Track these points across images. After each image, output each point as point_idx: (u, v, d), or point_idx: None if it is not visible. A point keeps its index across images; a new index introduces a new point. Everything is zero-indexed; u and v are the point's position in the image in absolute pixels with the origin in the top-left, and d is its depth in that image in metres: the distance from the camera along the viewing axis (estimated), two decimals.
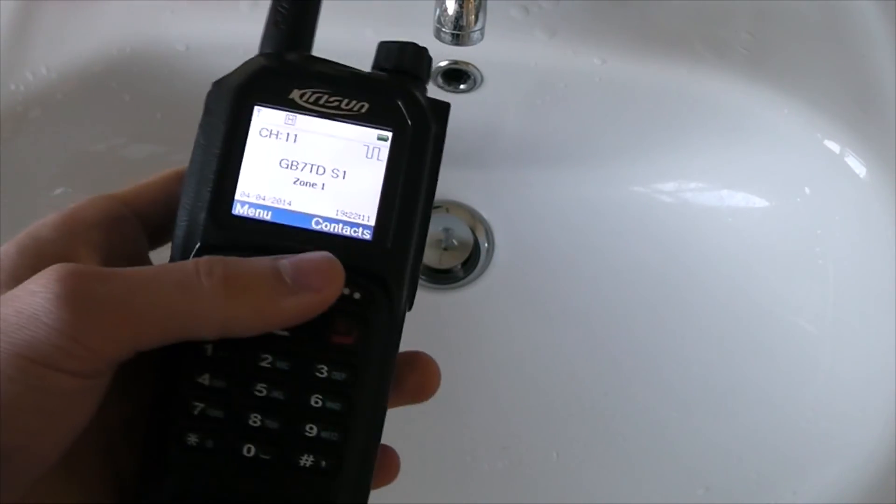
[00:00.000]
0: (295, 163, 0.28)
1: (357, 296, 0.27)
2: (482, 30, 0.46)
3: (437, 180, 0.29)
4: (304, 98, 0.28)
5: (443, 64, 0.53)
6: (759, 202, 0.54)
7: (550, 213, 0.57)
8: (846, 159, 0.49)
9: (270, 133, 0.28)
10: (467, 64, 0.52)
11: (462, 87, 0.54)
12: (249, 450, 0.26)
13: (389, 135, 0.28)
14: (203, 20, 0.52)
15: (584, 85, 0.52)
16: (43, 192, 0.51)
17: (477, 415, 0.51)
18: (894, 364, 0.45)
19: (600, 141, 0.55)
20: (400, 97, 0.28)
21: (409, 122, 0.28)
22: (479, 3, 0.45)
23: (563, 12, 0.52)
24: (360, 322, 0.27)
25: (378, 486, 0.29)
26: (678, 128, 0.53)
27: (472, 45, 0.46)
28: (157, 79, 0.52)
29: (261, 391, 0.26)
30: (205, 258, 0.25)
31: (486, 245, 0.56)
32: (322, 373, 0.26)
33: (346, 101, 0.28)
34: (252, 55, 0.29)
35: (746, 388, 0.50)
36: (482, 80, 0.53)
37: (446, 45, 0.45)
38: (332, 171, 0.28)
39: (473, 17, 0.45)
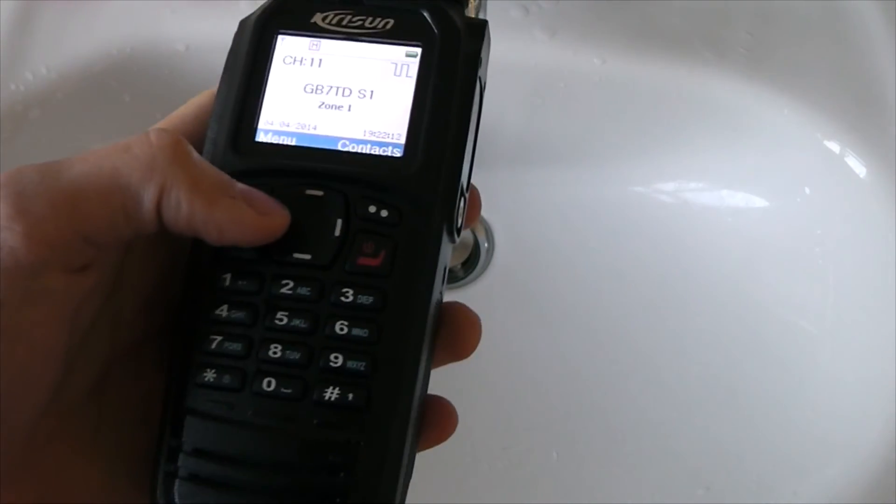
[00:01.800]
0: (320, 87, 0.26)
1: (384, 214, 0.25)
2: None
3: (477, 100, 0.27)
4: (327, 21, 0.27)
5: None
6: (759, 202, 0.54)
7: (550, 212, 0.57)
8: (846, 159, 0.49)
9: (294, 60, 0.27)
10: None
11: None
12: (270, 383, 0.24)
13: (418, 50, 0.26)
14: (203, 20, 0.52)
15: (584, 85, 0.52)
16: None
17: (477, 415, 0.51)
18: (894, 364, 0.45)
19: (600, 141, 0.55)
20: (427, 10, 0.27)
21: (438, 36, 0.26)
22: (479, 3, 0.45)
23: (563, 12, 0.52)
24: (387, 242, 0.25)
25: (429, 443, 0.26)
26: (678, 128, 0.53)
27: None
28: (157, 79, 0.52)
29: (281, 319, 0.24)
30: (162, 129, 0.24)
31: (486, 245, 0.56)
32: (347, 297, 0.24)
33: (370, 19, 0.27)
34: None
35: (746, 388, 0.50)
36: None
37: None
38: (359, 91, 0.26)
39: (473, 16, 0.45)
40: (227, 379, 0.24)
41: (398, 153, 0.25)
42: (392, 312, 0.24)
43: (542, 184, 0.57)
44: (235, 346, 0.24)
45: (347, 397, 0.24)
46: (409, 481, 0.25)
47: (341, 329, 0.24)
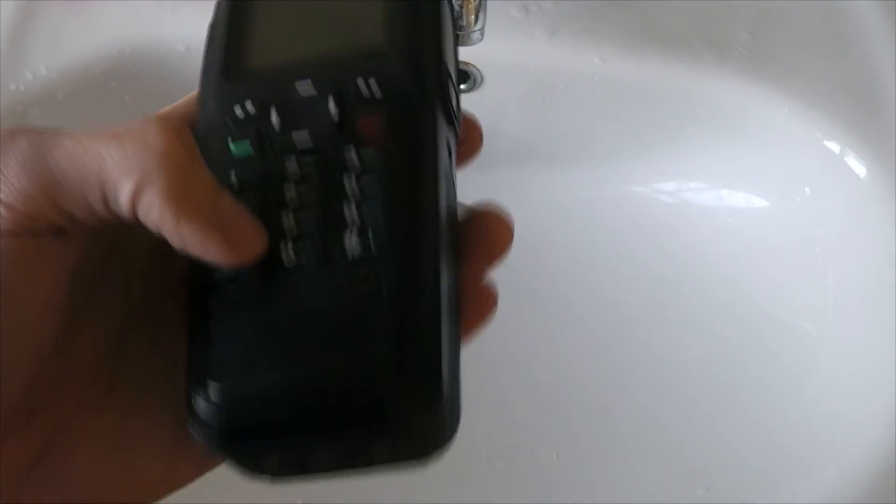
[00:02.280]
0: (303, 15, 0.27)
1: (375, 88, 0.25)
2: (482, 30, 0.46)
3: (447, 8, 0.27)
4: None
5: None
6: (759, 202, 0.54)
7: (550, 212, 0.57)
8: (846, 159, 0.49)
9: (273, 9, 0.27)
10: (467, 64, 0.52)
11: (462, 87, 0.54)
12: (290, 254, 0.23)
13: None
14: (203, 20, 0.51)
15: (583, 85, 0.52)
16: None
17: (477, 415, 0.51)
18: (894, 364, 0.45)
19: (600, 140, 0.55)
20: None
21: None
22: (479, 3, 0.45)
23: (563, 12, 0.52)
24: (383, 110, 0.25)
25: (471, 326, 0.25)
26: (678, 128, 0.53)
27: (471, 45, 0.46)
28: (157, 79, 0.52)
29: (291, 196, 0.24)
30: (162, 119, 0.23)
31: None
32: (352, 164, 0.24)
33: None
34: None
35: (746, 387, 0.50)
36: (482, 79, 0.53)
37: None
38: (331, 15, 0.27)
39: (473, 16, 0.45)
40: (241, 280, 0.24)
41: (383, 48, 0.26)
42: (398, 172, 0.24)
43: (542, 183, 0.57)
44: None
45: (369, 249, 0.23)
46: (457, 356, 0.25)
47: (352, 193, 0.24)
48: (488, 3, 0.46)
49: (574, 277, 0.55)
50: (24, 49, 0.51)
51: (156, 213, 0.22)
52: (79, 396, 0.24)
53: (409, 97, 0.25)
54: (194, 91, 0.28)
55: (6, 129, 0.23)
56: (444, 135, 0.26)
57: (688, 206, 0.55)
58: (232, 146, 0.25)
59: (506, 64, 0.52)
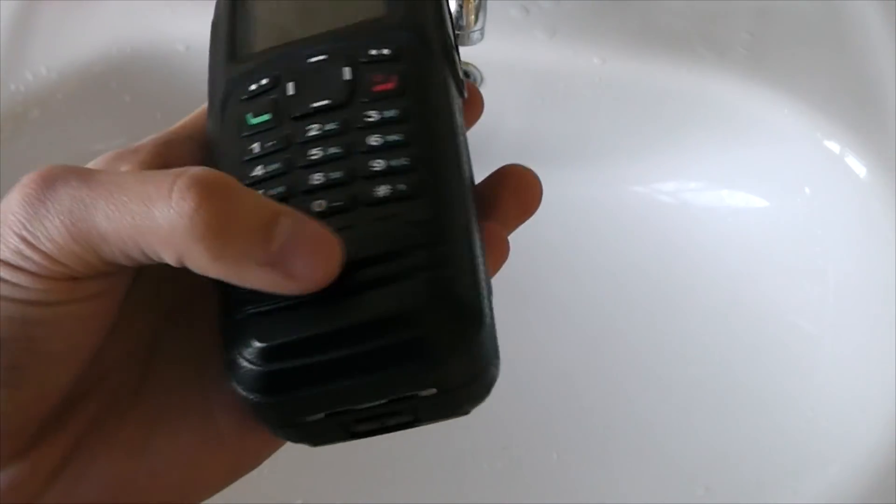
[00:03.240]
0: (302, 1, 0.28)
1: (386, 50, 0.26)
2: (482, 30, 0.46)
3: None
4: None
5: None
6: (759, 202, 0.54)
7: (550, 212, 0.56)
8: (846, 159, 0.49)
9: None
10: (467, 64, 0.52)
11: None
12: (321, 205, 0.23)
13: None
14: (203, 20, 0.51)
15: (583, 85, 0.52)
16: None
17: (477, 415, 0.51)
18: (894, 364, 0.45)
19: (600, 141, 0.55)
20: None
21: None
22: (479, 3, 0.45)
23: (563, 12, 0.52)
24: (395, 68, 0.25)
25: (495, 265, 0.26)
26: (678, 128, 0.53)
27: (471, 45, 0.46)
28: (157, 79, 0.52)
29: (315, 154, 0.24)
30: (194, 172, 0.21)
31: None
32: (371, 116, 0.24)
33: None
34: None
35: (746, 387, 0.50)
36: (482, 80, 0.53)
37: None
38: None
39: (473, 17, 0.45)
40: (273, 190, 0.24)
41: (383, 13, 0.27)
42: (418, 119, 0.25)
43: (542, 183, 0.57)
44: (276, 190, 0.24)
45: (398, 187, 0.23)
46: (489, 290, 0.24)
47: (376, 141, 0.24)
48: (488, 3, 0.46)
49: (574, 277, 0.55)
50: (24, 49, 0.51)
51: (210, 273, 0.21)
52: (106, 400, 0.24)
53: (417, 56, 0.26)
54: (199, 103, 0.28)
55: (45, 175, 0.22)
56: (454, 92, 0.26)
57: (688, 206, 0.55)
58: (251, 119, 0.25)
59: (506, 64, 0.52)
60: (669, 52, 0.51)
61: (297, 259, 0.21)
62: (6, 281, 0.21)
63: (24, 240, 0.21)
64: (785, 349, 0.50)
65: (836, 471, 0.44)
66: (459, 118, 0.26)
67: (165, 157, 0.26)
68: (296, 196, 0.24)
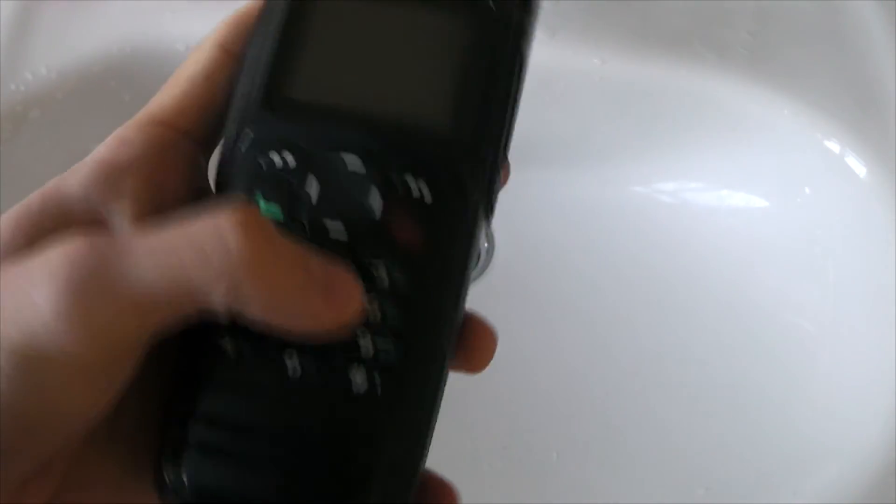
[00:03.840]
0: (362, 44, 0.25)
1: (423, 190, 0.23)
2: None
3: (524, 66, 0.26)
4: None
5: None
6: (759, 202, 0.54)
7: (550, 212, 0.57)
8: (846, 159, 0.49)
9: (337, 12, 0.25)
10: None
11: None
12: (291, 354, 0.23)
13: (466, 15, 0.25)
14: (203, 20, 0.51)
15: (583, 85, 0.52)
16: None
17: (477, 415, 0.51)
18: (894, 364, 0.45)
19: (600, 141, 0.55)
20: None
21: (492, 5, 0.25)
22: None
23: (563, 12, 0.52)
24: (427, 222, 0.23)
25: (470, 367, 0.25)
26: (678, 128, 0.53)
27: None
28: (157, 79, 0.51)
29: None
30: (235, 211, 0.21)
31: (485, 245, 0.56)
32: (379, 271, 0.23)
33: None
34: None
35: (746, 387, 0.50)
36: None
37: None
38: (402, 52, 0.25)
39: None
40: (247, 349, 0.23)
41: (439, 124, 0.24)
42: (426, 294, 0.24)
43: (542, 184, 0.57)
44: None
45: (374, 378, 0.23)
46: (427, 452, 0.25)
47: (372, 300, 0.23)
48: None
49: (574, 277, 0.55)
50: (24, 49, 0.51)
51: (255, 311, 0.21)
52: (89, 438, 0.23)
53: (456, 211, 0.24)
54: (185, 80, 0.26)
55: (66, 252, 0.21)
56: (479, 239, 0.25)
57: (688, 206, 0.55)
58: (262, 204, 0.24)
59: None
60: (669, 52, 0.51)
61: (333, 289, 0.22)
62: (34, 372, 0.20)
63: (70, 331, 0.20)
64: (785, 349, 0.50)
65: (836, 471, 0.44)
66: (476, 256, 0.25)
67: (160, 172, 0.25)
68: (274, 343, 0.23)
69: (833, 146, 0.49)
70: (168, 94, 0.26)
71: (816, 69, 0.51)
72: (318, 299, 0.22)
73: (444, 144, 0.24)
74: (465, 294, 0.25)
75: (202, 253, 0.21)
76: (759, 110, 0.51)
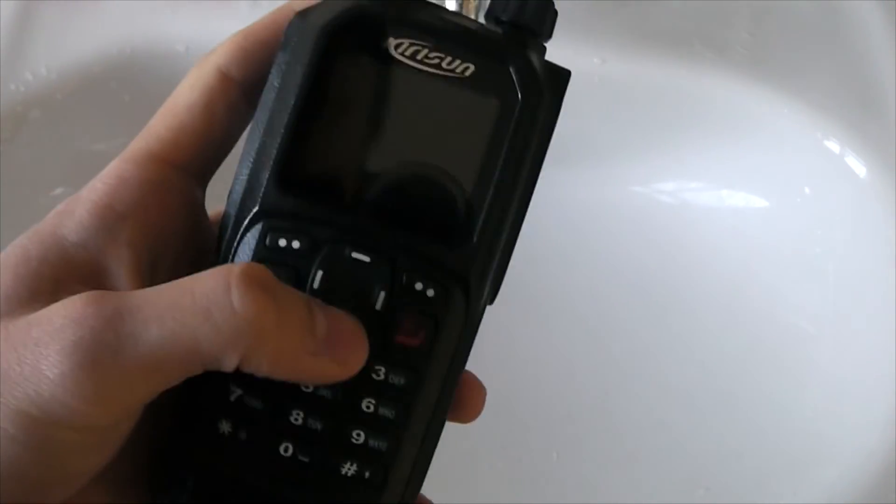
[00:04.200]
0: (381, 125, 0.24)
1: (430, 293, 0.23)
2: None
3: (540, 166, 0.25)
4: (400, 50, 0.23)
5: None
6: (759, 202, 0.54)
7: (550, 212, 0.57)
8: (846, 159, 0.49)
9: (357, 88, 0.24)
10: None
11: None
12: (287, 449, 0.23)
13: (495, 106, 0.24)
14: (203, 20, 0.52)
15: (583, 85, 0.52)
16: (43, 192, 0.51)
17: None
18: (894, 364, 0.45)
19: (600, 141, 0.55)
20: (513, 63, 0.24)
21: (520, 97, 0.24)
22: (479, 3, 0.45)
23: (563, 12, 0.52)
24: (429, 322, 0.23)
25: (460, 419, 0.26)
26: (678, 127, 0.53)
27: None
28: (157, 79, 0.52)
29: (307, 387, 0.23)
30: (241, 270, 0.21)
31: None
32: (379, 374, 0.23)
33: (448, 59, 0.24)
34: None
35: (746, 388, 0.50)
36: None
37: None
38: (423, 140, 0.24)
39: (473, 16, 0.45)
40: (243, 434, 0.23)
41: (454, 222, 0.24)
42: (423, 395, 0.24)
43: (542, 183, 0.57)
44: (257, 403, 0.23)
45: (364, 474, 0.23)
46: None
47: (367, 407, 0.23)
48: (489, 4, 0.46)
49: (574, 277, 0.55)
50: (24, 49, 0.50)
51: (265, 371, 0.22)
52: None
53: (458, 315, 0.24)
54: (174, 104, 0.26)
55: (77, 320, 0.21)
56: (474, 332, 0.25)
57: (688, 206, 0.55)
58: None
59: None
60: (669, 52, 0.51)
61: (339, 346, 0.22)
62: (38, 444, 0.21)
63: (80, 396, 0.20)
64: (785, 349, 0.50)
65: (836, 471, 0.44)
66: (466, 354, 0.25)
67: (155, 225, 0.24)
68: (269, 420, 0.23)
69: (833, 146, 0.49)
70: (166, 125, 0.25)
71: (816, 69, 0.51)
72: (325, 359, 0.22)
73: (449, 239, 0.24)
74: (460, 378, 0.25)
75: (207, 313, 0.21)
76: (759, 110, 0.51)
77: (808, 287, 0.51)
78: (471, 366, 0.27)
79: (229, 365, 0.21)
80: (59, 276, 0.22)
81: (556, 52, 0.52)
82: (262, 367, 0.22)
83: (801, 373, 0.49)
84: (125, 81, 0.52)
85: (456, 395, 0.25)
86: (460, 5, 0.44)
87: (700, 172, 0.55)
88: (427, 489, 0.27)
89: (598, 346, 0.53)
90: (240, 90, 0.25)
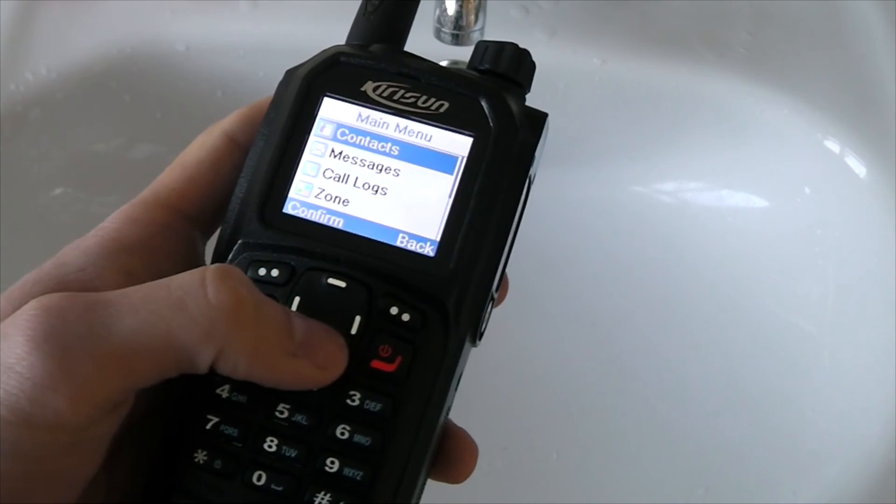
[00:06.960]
0: (359, 162, 0.25)
1: (406, 318, 0.24)
2: (482, 30, 0.46)
3: (522, 200, 0.26)
4: (378, 91, 0.25)
5: (443, 64, 0.53)
6: (759, 202, 0.54)
7: (550, 213, 0.57)
8: (846, 159, 0.49)
9: (337, 128, 0.25)
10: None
11: None
12: (260, 477, 0.23)
13: (469, 141, 0.25)
14: (203, 20, 0.52)
15: (583, 85, 0.52)
16: (43, 192, 0.51)
17: (477, 415, 0.51)
18: (894, 363, 0.45)
19: (600, 141, 0.55)
20: (485, 98, 0.25)
21: (493, 129, 0.25)
22: (479, 3, 0.45)
23: (563, 12, 0.52)
24: (406, 348, 0.23)
25: (450, 479, 0.26)
26: (678, 128, 0.53)
27: (472, 44, 0.46)
28: (157, 79, 0.52)
29: (282, 412, 0.23)
30: (217, 266, 0.22)
31: None
32: (354, 400, 0.23)
33: (423, 98, 0.25)
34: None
35: (746, 387, 0.50)
36: None
37: (446, 45, 0.45)
38: (400, 175, 0.25)
39: (473, 17, 0.45)
40: (218, 463, 0.23)
41: (431, 252, 0.24)
42: (399, 424, 0.23)
43: (542, 184, 0.57)
44: (232, 431, 0.23)
45: (339, 500, 0.23)
46: None
47: (342, 433, 0.23)
48: (488, 3, 0.46)
49: (574, 277, 0.55)
50: (24, 49, 0.51)
51: (243, 370, 0.22)
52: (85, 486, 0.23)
53: (436, 343, 0.24)
54: (195, 150, 0.27)
55: (50, 314, 0.20)
56: (463, 365, 0.25)
57: (688, 206, 0.55)
58: None
59: None
60: (669, 52, 0.51)
61: (319, 349, 0.23)
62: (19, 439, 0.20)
63: (49, 388, 0.20)
64: (785, 349, 0.50)
65: (836, 471, 0.44)
66: (457, 382, 0.25)
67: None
68: (246, 447, 0.23)
69: (833, 146, 0.49)
70: (176, 177, 0.27)
71: (816, 69, 0.51)
72: (303, 361, 0.22)
73: (426, 267, 0.24)
74: (445, 412, 0.25)
75: (182, 303, 0.21)
76: (758, 110, 0.51)
77: (808, 287, 0.51)
78: (471, 365, 0.27)
79: (205, 360, 0.21)
80: (48, 293, 0.22)
81: (557, 52, 0.52)
82: (240, 366, 0.22)
83: (801, 373, 0.49)
84: (125, 81, 0.52)
85: (445, 452, 0.25)
86: (460, 5, 0.45)
87: (700, 172, 0.55)
88: (427, 489, 0.26)
89: (598, 346, 0.53)
90: (244, 153, 0.27)
